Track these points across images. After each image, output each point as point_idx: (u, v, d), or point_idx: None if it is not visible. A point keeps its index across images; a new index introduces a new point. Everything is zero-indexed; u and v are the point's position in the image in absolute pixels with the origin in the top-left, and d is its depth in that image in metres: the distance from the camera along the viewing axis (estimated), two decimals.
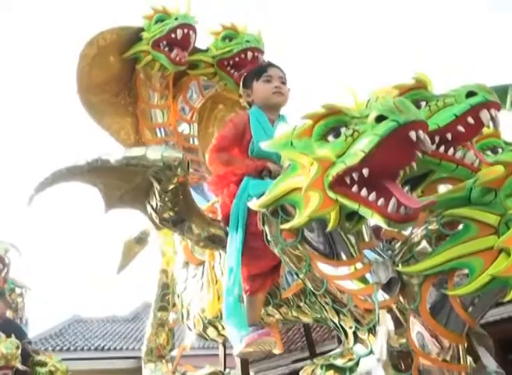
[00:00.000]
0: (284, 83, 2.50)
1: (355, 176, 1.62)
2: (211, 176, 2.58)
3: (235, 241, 2.23)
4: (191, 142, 3.51)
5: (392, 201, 1.56)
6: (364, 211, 1.63)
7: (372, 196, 1.60)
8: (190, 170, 3.24)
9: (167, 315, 3.21)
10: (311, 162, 1.71)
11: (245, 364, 2.44)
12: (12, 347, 4.20)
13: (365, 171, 1.59)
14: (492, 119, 1.82)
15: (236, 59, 3.35)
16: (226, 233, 2.40)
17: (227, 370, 2.92)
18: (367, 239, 1.97)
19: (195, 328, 2.79)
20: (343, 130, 1.68)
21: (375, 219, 1.62)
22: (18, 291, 5.15)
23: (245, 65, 3.28)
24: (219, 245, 2.47)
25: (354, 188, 1.63)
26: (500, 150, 2.17)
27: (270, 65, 2.59)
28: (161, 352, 3.17)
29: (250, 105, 2.56)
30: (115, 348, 11.40)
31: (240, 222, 2.25)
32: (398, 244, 1.99)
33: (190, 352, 3.20)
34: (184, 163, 2.22)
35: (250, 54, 3.32)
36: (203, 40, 3.49)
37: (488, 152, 2.16)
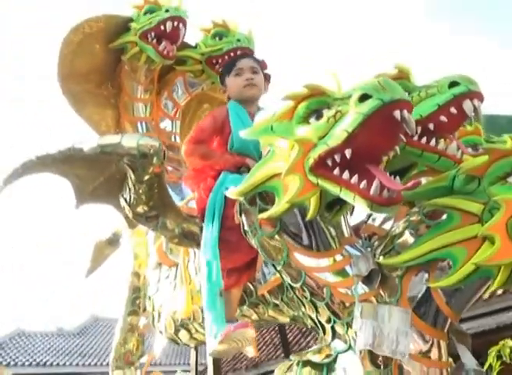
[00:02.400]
0: (256, 72, 2.42)
1: (337, 158, 1.57)
2: (188, 170, 2.50)
3: (210, 233, 2.15)
4: (173, 140, 3.41)
5: (375, 183, 1.51)
6: (346, 194, 1.57)
7: (354, 179, 1.55)
8: (170, 169, 3.17)
9: (137, 320, 3.06)
10: (292, 145, 1.65)
11: (217, 369, 2.32)
12: None
13: (348, 152, 1.54)
14: (475, 109, 1.80)
15: (226, 58, 3.26)
16: (202, 230, 2.32)
17: None
18: (346, 235, 1.91)
19: (166, 331, 2.67)
20: (325, 111, 1.63)
21: (357, 203, 1.56)
22: None
23: None
24: (194, 242, 2.38)
25: (336, 171, 1.58)
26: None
27: (240, 57, 2.54)
28: (130, 359, 3.01)
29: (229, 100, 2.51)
30: (58, 364, 10.88)
31: (216, 215, 2.17)
32: (379, 238, 1.95)
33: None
34: (160, 152, 2.14)
35: (240, 53, 3.22)
36: (192, 35, 3.42)
37: (469, 150, 2.14)
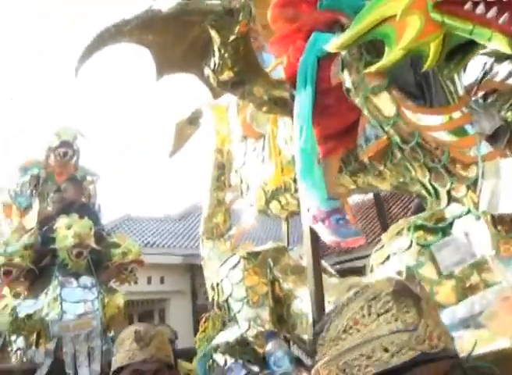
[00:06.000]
0: None
1: None
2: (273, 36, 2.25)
3: (304, 97, 1.97)
4: None
5: None
6: (479, 33, 1.32)
7: (492, 13, 1.29)
8: None
9: (223, 195, 3.05)
10: None
11: (314, 238, 2.18)
12: (86, 227, 4.15)
13: None
14: None
15: None
16: (292, 97, 2.14)
17: (290, 246, 2.78)
18: (461, 94, 1.69)
19: (256, 203, 2.63)
20: None
21: (494, 42, 1.31)
22: (89, 178, 5.01)
23: None
24: (286, 109, 2.22)
25: (468, 5, 1.32)
26: None
27: None
28: (219, 231, 3.05)
29: None
30: (163, 245, 11.51)
31: (309, 78, 1.98)
32: (501, 94, 1.72)
33: None
34: (247, 7, 1.92)
35: None
36: None
37: None
